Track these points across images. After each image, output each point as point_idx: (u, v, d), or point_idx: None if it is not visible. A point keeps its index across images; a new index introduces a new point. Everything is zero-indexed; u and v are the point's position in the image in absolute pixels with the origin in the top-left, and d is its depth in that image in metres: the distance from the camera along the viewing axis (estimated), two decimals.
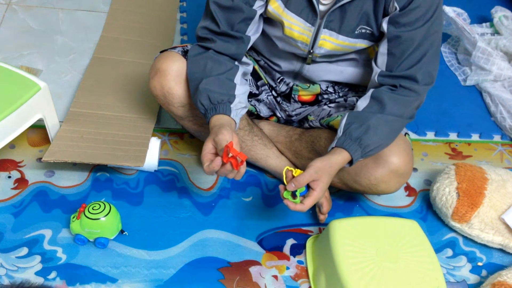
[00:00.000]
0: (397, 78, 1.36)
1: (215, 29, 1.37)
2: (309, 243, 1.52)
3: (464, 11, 2.16)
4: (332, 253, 1.36)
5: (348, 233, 1.39)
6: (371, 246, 1.37)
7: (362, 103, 1.38)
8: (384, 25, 1.33)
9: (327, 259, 1.38)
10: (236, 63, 1.42)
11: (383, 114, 1.34)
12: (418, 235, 1.42)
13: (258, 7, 1.37)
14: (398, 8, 1.30)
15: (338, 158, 1.31)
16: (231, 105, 1.33)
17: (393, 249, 1.37)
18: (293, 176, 1.29)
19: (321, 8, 1.35)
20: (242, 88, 1.38)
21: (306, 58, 1.47)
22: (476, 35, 2.06)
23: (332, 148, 1.34)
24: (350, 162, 1.34)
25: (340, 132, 1.35)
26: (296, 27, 1.38)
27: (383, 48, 1.36)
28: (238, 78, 1.38)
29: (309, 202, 1.28)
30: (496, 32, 2.20)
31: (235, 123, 1.33)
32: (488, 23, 2.25)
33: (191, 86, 1.39)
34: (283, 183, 1.31)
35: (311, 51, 1.43)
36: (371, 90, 1.39)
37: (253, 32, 1.41)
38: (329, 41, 1.39)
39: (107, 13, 2.15)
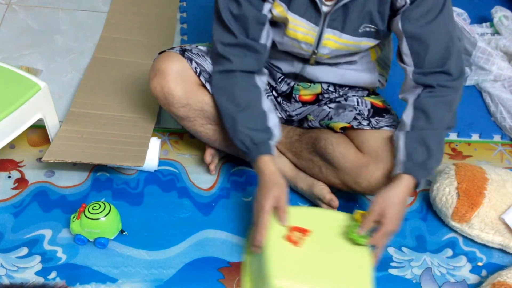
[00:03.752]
0: (431, 74, 1.37)
1: (232, 41, 1.38)
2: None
3: (464, 11, 2.16)
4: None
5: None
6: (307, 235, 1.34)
7: (407, 116, 1.39)
8: (399, 24, 1.34)
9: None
10: (257, 80, 1.43)
11: (432, 126, 1.36)
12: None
13: (267, 11, 1.37)
14: (408, 2, 1.30)
15: (401, 186, 1.33)
16: (271, 142, 1.38)
17: (326, 240, 1.35)
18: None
19: (324, 9, 1.35)
20: (273, 117, 1.42)
21: (308, 60, 1.47)
22: (476, 35, 2.06)
23: (397, 173, 1.35)
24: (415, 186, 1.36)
25: (403, 156, 1.35)
26: (301, 28, 1.38)
27: (405, 48, 1.37)
28: (264, 102, 1.42)
29: (380, 240, 1.31)
30: (496, 32, 2.20)
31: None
32: (488, 23, 2.25)
33: (226, 120, 1.42)
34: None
35: (315, 51, 1.43)
36: (411, 99, 1.40)
37: (265, 38, 1.41)
38: (333, 40, 1.39)
39: (107, 13, 2.15)
